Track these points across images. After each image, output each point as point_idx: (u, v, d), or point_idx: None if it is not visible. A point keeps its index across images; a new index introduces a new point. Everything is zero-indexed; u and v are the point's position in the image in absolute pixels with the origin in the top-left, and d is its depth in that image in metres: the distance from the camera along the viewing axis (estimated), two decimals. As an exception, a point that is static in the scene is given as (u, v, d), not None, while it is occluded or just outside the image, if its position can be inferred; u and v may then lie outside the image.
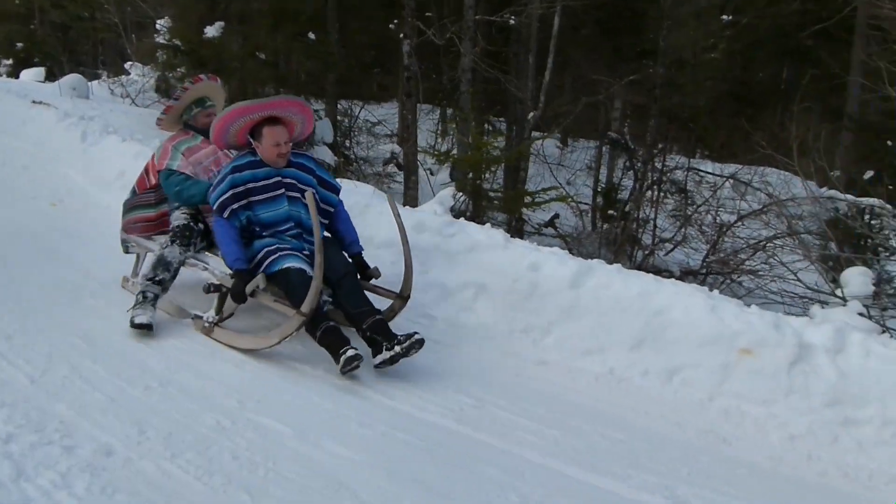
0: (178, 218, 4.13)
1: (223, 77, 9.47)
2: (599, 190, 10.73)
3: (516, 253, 4.29)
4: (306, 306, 3.45)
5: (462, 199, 7.45)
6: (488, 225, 4.81)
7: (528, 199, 8.63)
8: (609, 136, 10.72)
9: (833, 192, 8.95)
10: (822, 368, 3.51)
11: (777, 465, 3.17)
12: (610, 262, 4.74)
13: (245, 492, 2.50)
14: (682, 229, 9.67)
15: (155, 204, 4.38)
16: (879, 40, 9.65)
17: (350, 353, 3.37)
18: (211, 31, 9.43)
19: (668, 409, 3.52)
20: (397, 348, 3.46)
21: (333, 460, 2.76)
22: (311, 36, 9.73)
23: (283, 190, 3.85)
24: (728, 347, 3.65)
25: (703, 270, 9.06)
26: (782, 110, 11.65)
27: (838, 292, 5.10)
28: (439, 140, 12.66)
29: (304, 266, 3.64)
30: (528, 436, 3.12)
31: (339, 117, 11.93)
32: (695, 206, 9.94)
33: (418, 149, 9.85)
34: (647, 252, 9.41)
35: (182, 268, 4.05)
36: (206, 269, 4.02)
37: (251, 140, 3.87)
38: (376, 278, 3.92)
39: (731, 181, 10.12)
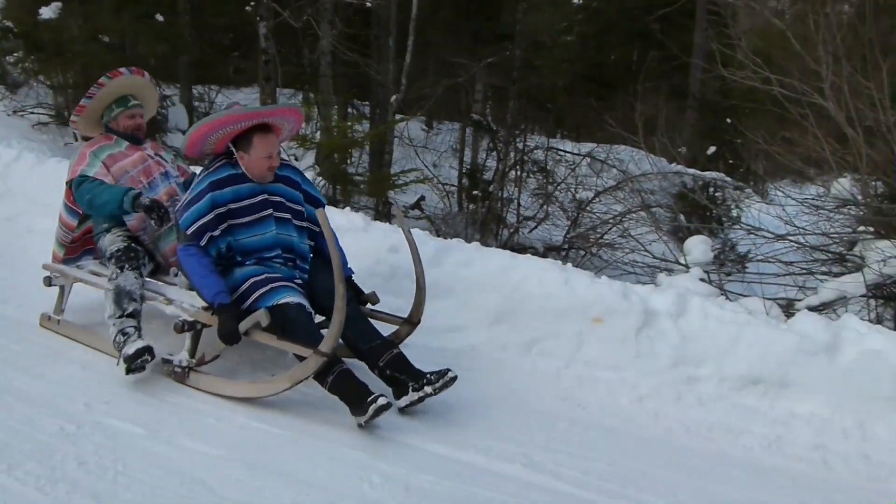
0: (115, 241, 3.51)
1: (63, 63, 8.90)
2: (464, 171, 10.89)
3: (376, 236, 4.29)
4: (327, 345, 2.91)
5: (323, 183, 7.35)
6: (348, 209, 4.79)
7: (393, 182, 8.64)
8: (472, 118, 10.89)
9: (679, 168, 9.56)
10: (665, 332, 3.74)
11: (627, 425, 3.35)
12: (478, 242, 4.85)
13: (92, 498, 2.38)
14: (545, 207, 9.99)
15: (78, 224, 3.75)
16: (715, 24, 10.32)
17: (382, 401, 2.85)
18: (47, 12, 8.77)
19: (527, 379, 3.65)
20: (428, 389, 3.04)
21: (189, 457, 2.67)
22: (160, 17, 9.27)
23: (270, 210, 3.26)
24: (581, 317, 3.83)
25: (566, 246, 9.42)
26: (633, 91, 12.25)
27: (682, 260, 5.46)
28: (303, 125, 12.43)
29: (303, 300, 3.14)
30: (389, 416, 3.12)
31: (194, 102, 11.45)
32: (555, 185, 10.29)
33: (280, 134, 9.61)
34: (511, 230, 9.67)
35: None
36: (170, 303, 3.36)
37: (233, 150, 3.24)
38: (374, 304, 3.51)
39: (588, 159, 10.54)
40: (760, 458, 3.20)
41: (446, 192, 10.26)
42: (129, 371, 3.11)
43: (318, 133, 9.08)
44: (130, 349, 3.12)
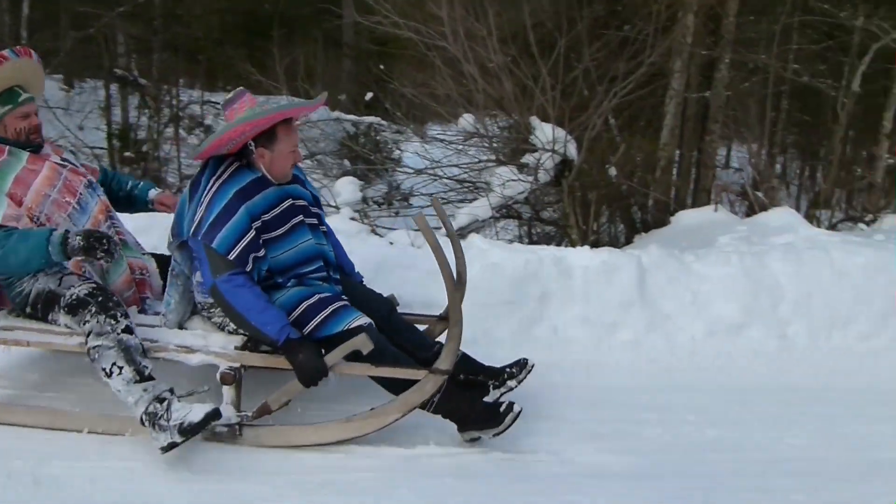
0: (70, 284, 2.68)
1: None
2: (113, 132, 10.05)
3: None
4: (446, 362, 2.63)
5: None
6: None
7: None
8: (116, 74, 10.04)
9: (339, 114, 9.83)
10: (313, 272, 3.88)
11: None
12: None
13: None
14: (208, 164, 9.68)
15: None
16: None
17: (517, 407, 2.67)
18: None
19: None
20: (512, 383, 2.90)
21: None
22: None
23: (300, 217, 2.80)
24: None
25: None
26: (287, 40, 12.22)
27: (332, 202, 5.66)
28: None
29: (370, 319, 2.74)
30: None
31: None
32: (216, 139, 9.99)
33: None
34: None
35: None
36: (192, 351, 2.72)
37: (252, 148, 2.66)
38: (396, 307, 3.17)
39: (249, 111, 10.37)
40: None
41: (95, 155, 9.39)
42: (189, 432, 2.46)
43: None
44: (196, 416, 2.46)
